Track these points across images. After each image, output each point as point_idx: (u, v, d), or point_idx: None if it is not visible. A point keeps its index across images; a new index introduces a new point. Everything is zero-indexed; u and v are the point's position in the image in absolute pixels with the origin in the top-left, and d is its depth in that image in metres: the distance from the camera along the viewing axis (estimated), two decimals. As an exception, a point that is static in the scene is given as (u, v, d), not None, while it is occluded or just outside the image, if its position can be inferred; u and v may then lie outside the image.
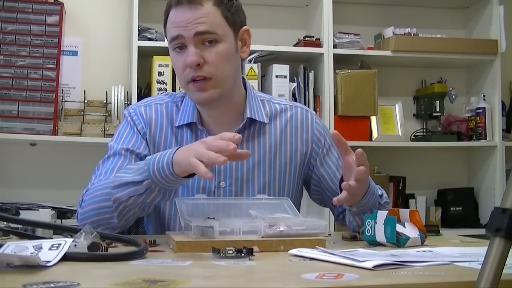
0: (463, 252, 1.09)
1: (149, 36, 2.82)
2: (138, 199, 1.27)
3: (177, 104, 1.53)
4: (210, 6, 1.40)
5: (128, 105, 2.78)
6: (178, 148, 1.24)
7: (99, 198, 1.32)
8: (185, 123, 1.49)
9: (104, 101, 2.89)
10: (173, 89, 2.78)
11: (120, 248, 1.12)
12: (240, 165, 1.48)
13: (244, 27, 1.49)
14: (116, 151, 1.45)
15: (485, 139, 3.14)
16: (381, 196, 1.48)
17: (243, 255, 1.00)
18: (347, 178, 1.34)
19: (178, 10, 1.40)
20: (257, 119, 1.50)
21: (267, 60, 2.94)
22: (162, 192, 1.27)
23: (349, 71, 2.96)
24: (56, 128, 2.74)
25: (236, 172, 1.48)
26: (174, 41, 1.42)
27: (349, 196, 1.31)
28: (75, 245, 0.98)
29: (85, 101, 2.88)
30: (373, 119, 3.09)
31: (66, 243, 0.97)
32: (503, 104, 3.27)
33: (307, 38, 2.98)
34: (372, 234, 1.22)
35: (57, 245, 0.96)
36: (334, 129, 2.87)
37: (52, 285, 0.76)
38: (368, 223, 1.23)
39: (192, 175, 1.23)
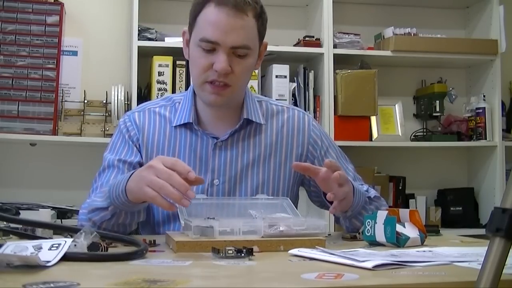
0: (463, 252, 1.09)
1: (149, 36, 2.82)
2: (109, 223, 1.33)
3: (172, 106, 1.54)
4: (251, 18, 1.39)
5: (128, 105, 2.78)
6: (132, 174, 1.24)
7: (83, 218, 1.39)
8: (182, 123, 1.49)
9: (104, 101, 2.89)
10: (173, 89, 2.78)
11: (120, 248, 1.12)
12: (235, 163, 1.49)
13: (264, 42, 1.51)
14: (109, 163, 1.48)
15: (485, 139, 3.14)
16: (367, 191, 1.50)
17: (243, 255, 1.00)
18: (328, 190, 1.33)
19: (221, 11, 1.35)
20: (254, 119, 1.51)
21: (267, 60, 2.93)
22: (129, 214, 1.31)
23: (349, 71, 2.96)
24: (56, 128, 2.74)
25: (230, 170, 1.49)
26: (206, 42, 1.37)
27: (339, 203, 1.31)
28: (75, 245, 0.99)
29: (85, 101, 2.88)
30: (373, 119, 3.09)
31: (66, 243, 0.97)
32: (503, 104, 3.26)
33: (307, 38, 2.98)
34: (372, 234, 1.22)
35: (57, 245, 0.96)
36: (334, 129, 2.88)
37: (52, 285, 0.75)
38: (368, 223, 1.23)
39: None
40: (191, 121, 1.49)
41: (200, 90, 1.45)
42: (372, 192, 1.52)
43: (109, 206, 1.30)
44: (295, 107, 1.65)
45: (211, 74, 1.39)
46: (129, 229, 1.38)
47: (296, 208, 1.58)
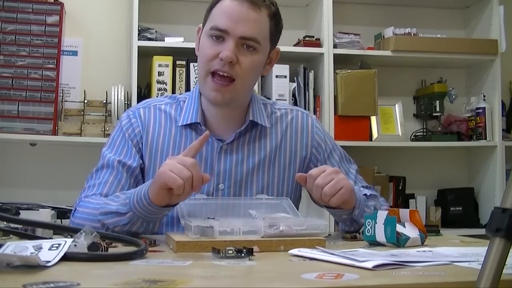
0: (463, 252, 1.09)
1: (149, 36, 2.82)
2: (122, 228, 1.30)
3: (177, 105, 1.53)
4: (265, 15, 1.41)
5: (128, 105, 2.78)
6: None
7: (89, 217, 1.35)
8: (188, 122, 1.48)
9: (104, 101, 2.89)
10: (173, 89, 2.78)
11: (120, 248, 1.12)
12: (240, 167, 1.48)
13: (277, 48, 1.51)
14: (109, 162, 1.45)
15: (485, 139, 3.14)
16: (364, 193, 1.49)
17: (243, 255, 1.00)
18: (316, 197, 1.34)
19: (235, 3, 1.38)
20: (259, 122, 1.50)
21: (267, 60, 2.94)
22: (145, 223, 1.29)
23: (349, 71, 2.96)
24: (56, 128, 2.74)
25: (235, 174, 1.48)
26: (215, 30, 1.39)
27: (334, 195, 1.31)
28: (75, 245, 0.98)
29: (85, 101, 2.88)
30: (373, 119, 3.09)
31: (66, 243, 0.97)
32: (503, 104, 3.26)
33: (307, 38, 2.98)
34: (372, 234, 1.22)
35: (57, 245, 0.96)
36: (334, 129, 2.88)
37: (52, 285, 0.75)
38: (368, 223, 1.23)
39: (172, 206, 1.25)
40: (198, 121, 1.47)
41: (203, 84, 1.43)
42: (366, 191, 1.50)
43: (127, 212, 1.27)
44: (299, 109, 1.64)
45: (216, 63, 1.38)
46: (138, 236, 1.36)
47: (298, 208, 1.58)
